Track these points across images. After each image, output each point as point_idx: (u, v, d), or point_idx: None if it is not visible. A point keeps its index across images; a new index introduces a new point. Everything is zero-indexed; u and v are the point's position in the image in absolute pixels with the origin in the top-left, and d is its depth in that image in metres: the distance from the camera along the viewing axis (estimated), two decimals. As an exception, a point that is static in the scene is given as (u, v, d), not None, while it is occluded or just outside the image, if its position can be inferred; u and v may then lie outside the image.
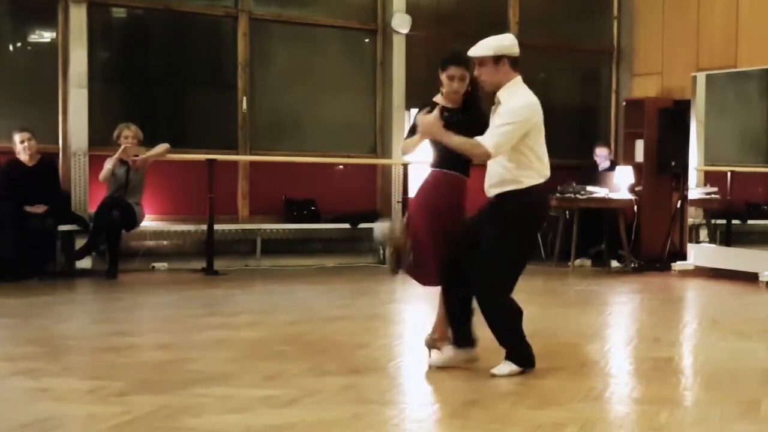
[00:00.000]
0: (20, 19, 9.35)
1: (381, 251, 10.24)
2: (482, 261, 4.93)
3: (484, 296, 5.01)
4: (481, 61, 4.96)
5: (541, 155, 4.99)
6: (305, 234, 10.04)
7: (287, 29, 10.33)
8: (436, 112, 4.97)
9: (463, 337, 5.17)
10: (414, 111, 9.44)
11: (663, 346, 5.95)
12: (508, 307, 5.00)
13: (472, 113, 5.17)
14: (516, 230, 4.97)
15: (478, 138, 4.87)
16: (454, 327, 5.19)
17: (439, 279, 5.19)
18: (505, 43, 4.97)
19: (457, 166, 5.14)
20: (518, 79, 5.02)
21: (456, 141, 4.91)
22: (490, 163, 5.02)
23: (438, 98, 5.22)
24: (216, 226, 9.28)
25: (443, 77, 5.16)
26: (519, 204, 4.95)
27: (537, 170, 4.96)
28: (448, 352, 5.16)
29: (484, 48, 4.95)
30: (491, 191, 5.04)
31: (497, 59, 4.92)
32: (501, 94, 4.98)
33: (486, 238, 4.97)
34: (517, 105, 4.90)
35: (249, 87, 9.98)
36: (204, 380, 4.71)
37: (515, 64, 4.99)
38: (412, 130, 5.17)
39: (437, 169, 5.21)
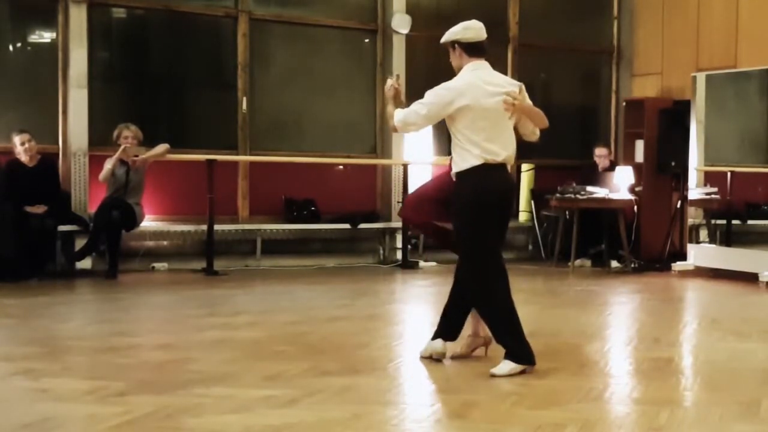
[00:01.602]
0: (20, 19, 9.35)
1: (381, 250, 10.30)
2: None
3: (461, 282, 5.18)
4: (446, 49, 5.20)
5: (479, 140, 4.98)
6: (305, 234, 10.04)
7: (287, 29, 10.33)
8: (393, 79, 5.32)
9: (444, 330, 5.32)
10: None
11: (663, 346, 5.95)
12: (488, 292, 5.04)
13: None
14: (463, 213, 5.04)
15: (397, 110, 5.18)
16: (441, 318, 5.36)
17: (410, 213, 5.46)
18: (455, 30, 5.14)
19: None
20: (474, 63, 5.10)
21: (386, 109, 5.32)
22: None
23: None
24: (216, 227, 9.28)
25: None
26: (459, 186, 5.07)
27: (473, 153, 4.98)
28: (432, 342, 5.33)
29: (443, 37, 5.18)
30: None
31: (452, 46, 5.14)
32: None
33: None
34: (438, 87, 5.08)
35: (249, 87, 9.98)
36: (204, 380, 4.71)
37: (471, 49, 5.11)
38: None
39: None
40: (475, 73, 5.07)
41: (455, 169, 5.06)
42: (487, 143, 4.98)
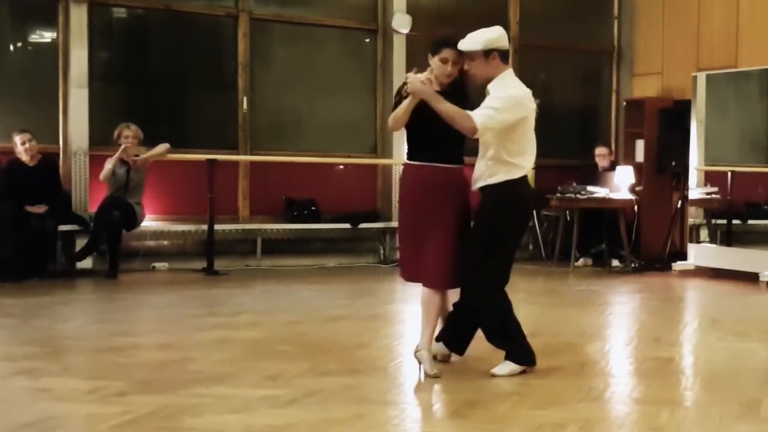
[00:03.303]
0: (20, 19, 9.35)
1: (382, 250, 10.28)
2: (466, 259, 4.94)
3: (471, 294, 5.03)
4: (471, 55, 4.89)
5: (524, 149, 4.91)
6: (305, 234, 10.04)
7: (287, 29, 10.33)
8: (427, 72, 4.87)
9: (449, 335, 5.25)
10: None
11: (663, 346, 5.95)
12: (495, 306, 5.00)
13: (458, 99, 4.91)
14: (493, 224, 4.93)
15: (469, 112, 4.75)
16: (448, 321, 5.26)
17: (405, 274, 5.14)
18: (493, 36, 4.89)
19: (435, 156, 4.96)
20: (509, 71, 4.98)
21: (446, 107, 4.75)
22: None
23: None
24: (216, 226, 9.28)
25: (435, 60, 4.96)
26: (495, 197, 4.93)
27: (516, 164, 4.89)
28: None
29: (473, 42, 4.88)
30: (474, 185, 5.04)
31: (487, 53, 4.87)
32: (491, 87, 4.93)
33: (470, 234, 5.00)
34: (511, 94, 4.85)
35: (249, 87, 9.98)
36: (204, 380, 4.71)
37: (505, 57, 4.95)
38: (399, 102, 4.97)
39: (408, 162, 5.14)
40: (517, 80, 4.97)
41: (492, 180, 4.89)
42: (530, 155, 4.96)
